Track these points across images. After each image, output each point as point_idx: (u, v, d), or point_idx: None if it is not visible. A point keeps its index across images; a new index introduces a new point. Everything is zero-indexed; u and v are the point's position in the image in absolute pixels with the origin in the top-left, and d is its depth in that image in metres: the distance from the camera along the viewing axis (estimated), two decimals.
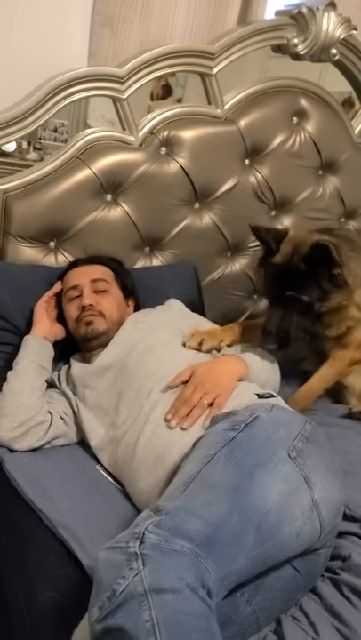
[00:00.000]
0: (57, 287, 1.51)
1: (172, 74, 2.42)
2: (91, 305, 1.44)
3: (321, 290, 1.36)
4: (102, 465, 1.29)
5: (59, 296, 1.52)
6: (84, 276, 1.49)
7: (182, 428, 1.15)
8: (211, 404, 1.17)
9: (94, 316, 1.43)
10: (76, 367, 1.43)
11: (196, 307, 1.71)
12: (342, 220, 2.04)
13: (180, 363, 1.31)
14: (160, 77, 2.59)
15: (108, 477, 1.27)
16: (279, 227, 1.90)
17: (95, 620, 0.73)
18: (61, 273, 1.53)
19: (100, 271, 1.51)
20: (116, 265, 1.57)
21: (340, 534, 1.11)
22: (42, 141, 2.85)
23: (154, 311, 1.54)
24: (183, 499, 0.89)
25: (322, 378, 1.54)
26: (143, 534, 0.78)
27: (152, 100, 2.82)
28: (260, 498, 0.90)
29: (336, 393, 1.64)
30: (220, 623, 0.84)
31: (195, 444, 1.10)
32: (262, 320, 1.47)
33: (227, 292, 1.92)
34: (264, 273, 1.44)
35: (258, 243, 1.95)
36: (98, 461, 1.31)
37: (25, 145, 2.75)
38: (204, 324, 1.56)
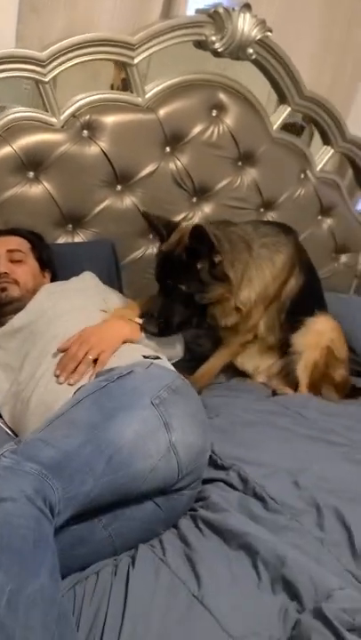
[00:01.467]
0: None
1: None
2: (5, 273, 1.53)
3: (200, 282, 1.43)
4: (3, 419, 1.40)
5: None
6: (0, 246, 1.58)
7: (69, 384, 1.26)
8: (96, 360, 1.29)
9: (8, 284, 1.53)
10: None
11: (114, 283, 1.82)
12: (261, 210, 2.17)
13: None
14: (121, 69, 2.69)
15: (7, 430, 1.37)
16: (199, 214, 2.03)
17: None
18: None
19: (16, 242, 1.60)
20: (33, 237, 1.66)
21: (210, 481, 1.24)
22: None
23: (68, 282, 1.63)
24: (44, 432, 1.00)
25: (218, 359, 1.70)
26: None
27: None
28: (115, 435, 1.00)
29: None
30: (74, 542, 0.97)
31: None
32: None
33: (147, 271, 2.01)
34: (156, 260, 1.54)
35: None
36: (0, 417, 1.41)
37: None
38: (115, 298, 1.66)
